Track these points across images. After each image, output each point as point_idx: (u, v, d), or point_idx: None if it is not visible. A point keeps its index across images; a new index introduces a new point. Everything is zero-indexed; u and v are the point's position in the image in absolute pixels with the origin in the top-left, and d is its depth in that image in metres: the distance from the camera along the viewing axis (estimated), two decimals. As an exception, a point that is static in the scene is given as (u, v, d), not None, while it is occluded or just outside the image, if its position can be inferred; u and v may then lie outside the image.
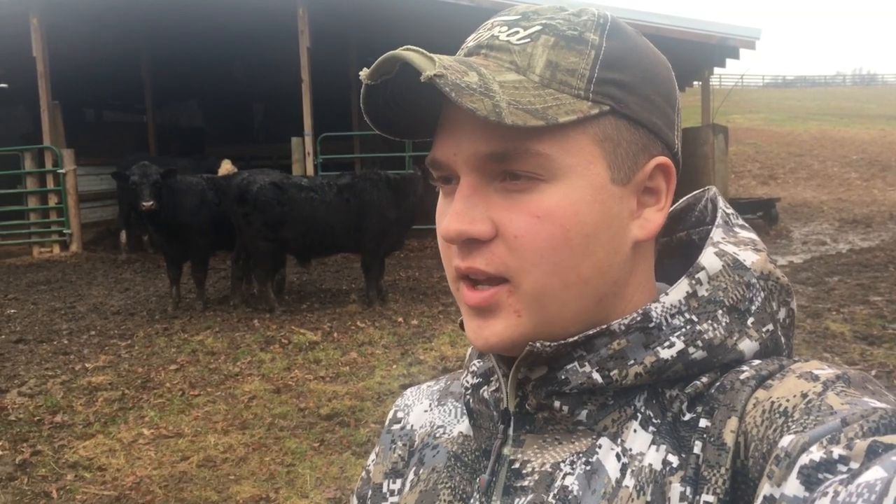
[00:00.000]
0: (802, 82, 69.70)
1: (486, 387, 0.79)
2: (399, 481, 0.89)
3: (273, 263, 8.83)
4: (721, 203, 0.80)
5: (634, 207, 0.71)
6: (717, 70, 16.66)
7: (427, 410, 0.92)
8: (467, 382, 0.82)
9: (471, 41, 0.72)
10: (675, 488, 0.63)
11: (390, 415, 0.97)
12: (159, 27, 16.65)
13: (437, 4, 12.57)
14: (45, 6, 13.65)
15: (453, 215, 0.68)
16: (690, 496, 0.62)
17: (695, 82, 19.37)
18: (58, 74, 14.30)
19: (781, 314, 0.73)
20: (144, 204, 8.23)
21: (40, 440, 5.06)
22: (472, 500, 0.77)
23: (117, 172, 9.18)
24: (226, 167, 12.46)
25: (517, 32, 0.69)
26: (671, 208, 0.78)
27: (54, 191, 13.78)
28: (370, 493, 0.92)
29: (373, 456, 0.95)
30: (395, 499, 0.88)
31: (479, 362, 0.82)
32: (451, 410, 0.89)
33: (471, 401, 0.81)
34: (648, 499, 0.64)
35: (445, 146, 0.70)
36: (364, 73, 0.67)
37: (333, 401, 5.65)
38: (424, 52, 0.64)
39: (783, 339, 0.73)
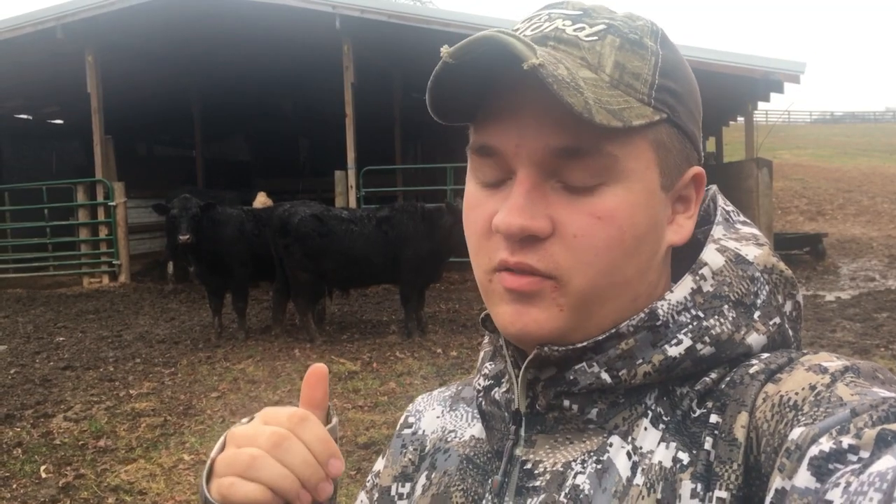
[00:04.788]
0: (851, 118, 68.54)
1: (497, 388, 0.79)
2: (408, 485, 0.88)
3: (313, 294, 8.91)
4: (721, 201, 0.81)
5: (670, 213, 0.73)
6: (762, 105, 16.56)
7: (439, 416, 0.91)
8: (479, 385, 0.82)
9: (528, 30, 0.70)
10: (686, 485, 0.63)
11: (401, 420, 0.96)
12: (208, 65, 17.16)
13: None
14: (100, 44, 14.18)
15: (514, 209, 0.67)
16: (702, 493, 0.62)
17: (739, 117, 19.23)
18: (110, 110, 14.77)
19: (788, 307, 0.73)
20: (181, 237, 8.34)
21: (84, 464, 5.15)
22: (483, 502, 0.76)
23: (159, 205, 9.20)
24: (260, 199, 12.72)
25: (583, 28, 0.68)
26: None
27: (105, 222, 14.14)
28: (377, 495, 0.91)
29: (381, 460, 0.94)
30: (403, 502, 0.87)
31: (490, 365, 0.82)
32: (462, 415, 0.89)
33: (483, 403, 0.81)
34: (659, 496, 0.63)
35: (505, 136, 0.68)
36: (446, 50, 0.65)
37: (371, 430, 5.66)
38: (519, 36, 0.63)
39: (791, 332, 0.72)
